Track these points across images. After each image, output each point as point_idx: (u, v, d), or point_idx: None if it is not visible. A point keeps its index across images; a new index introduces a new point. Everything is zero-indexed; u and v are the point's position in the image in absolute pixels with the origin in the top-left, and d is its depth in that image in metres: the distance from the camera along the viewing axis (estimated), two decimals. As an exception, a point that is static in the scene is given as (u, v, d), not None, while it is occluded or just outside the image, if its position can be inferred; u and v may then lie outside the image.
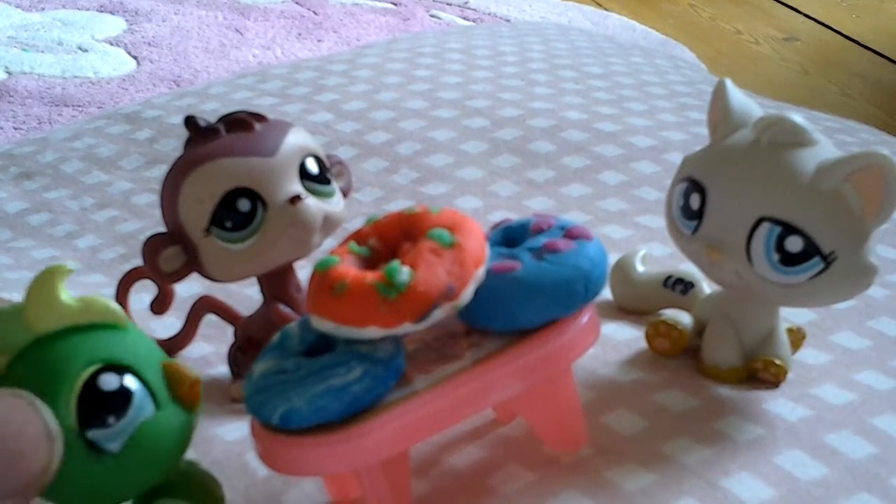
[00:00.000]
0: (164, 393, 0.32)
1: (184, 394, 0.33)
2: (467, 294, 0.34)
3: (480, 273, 0.35)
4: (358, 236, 0.37)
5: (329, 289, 0.33)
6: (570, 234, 0.37)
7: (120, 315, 0.32)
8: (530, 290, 0.35)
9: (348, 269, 0.34)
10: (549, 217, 0.38)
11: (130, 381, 0.31)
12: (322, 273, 0.34)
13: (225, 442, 0.42)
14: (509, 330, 0.36)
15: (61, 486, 0.29)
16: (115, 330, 0.32)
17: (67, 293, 0.31)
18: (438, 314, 0.34)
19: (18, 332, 0.31)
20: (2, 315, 0.31)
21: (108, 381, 0.31)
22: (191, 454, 0.41)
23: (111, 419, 0.31)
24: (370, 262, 0.36)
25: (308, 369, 0.34)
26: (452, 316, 0.35)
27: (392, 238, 0.36)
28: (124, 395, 0.31)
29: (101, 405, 0.31)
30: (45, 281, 0.31)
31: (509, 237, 0.38)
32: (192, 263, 0.43)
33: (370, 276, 0.33)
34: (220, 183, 0.41)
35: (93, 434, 0.30)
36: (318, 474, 0.37)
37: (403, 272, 0.33)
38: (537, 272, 0.36)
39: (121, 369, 0.31)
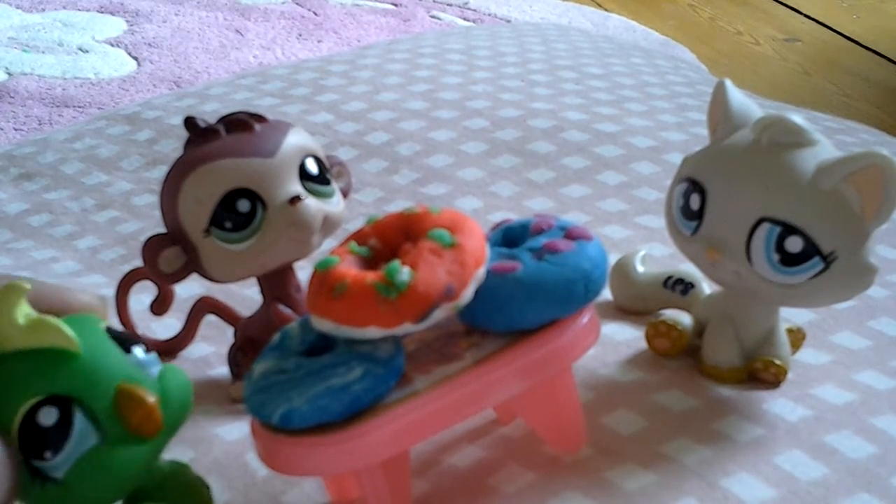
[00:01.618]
0: (113, 422, 0.31)
1: (137, 422, 0.31)
2: (467, 294, 0.34)
3: (481, 273, 0.35)
4: (358, 236, 0.37)
5: (329, 289, 0.33)
6: (570, 234, 0.37)
7: (71, 340, 0.31)
8: (531, 291, 0.35)
9: (349, 269, 0.34)
10: (550, 217, 0.38)
11: (72, 415, 0.30)
12: (322, 273, 0.34)
13: (225, 442, 0.42)
14: (509, 330, 0.36)
15: None
16: (65, 357, 0.31)
17: (25, 311, 0.30)
18: (439, 314, 0.34)
19: None
20: None
21: (47, 416, 0.30)
22: (191, 454, 0.41)
23: (48, 454, 0.30)
24: (370, 263, 0.36)
25: (308, 369, 0.34)
26: (453, 316, 0.35)
27: (392, 238, 0.36)
28: (62, 429, 0.30)
29: (38, 439, 0.30)
30: (1, 299, 0.30)
31: (509, 237, 0.38)
32: (192, 264, 0.43)
33: (371, 277, 0.33)
34: (219, 183, 0.41)
35: (35, 463, 0.30)
36: (319, 474, 0.37)
37: (404, 272, 0.33)
38: (538, 272, 0.36)
39: (63, 401, 0.30)
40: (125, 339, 0.33)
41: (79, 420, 0.31)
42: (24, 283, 0.30)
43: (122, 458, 0.31)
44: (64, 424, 0.30)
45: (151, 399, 0.31)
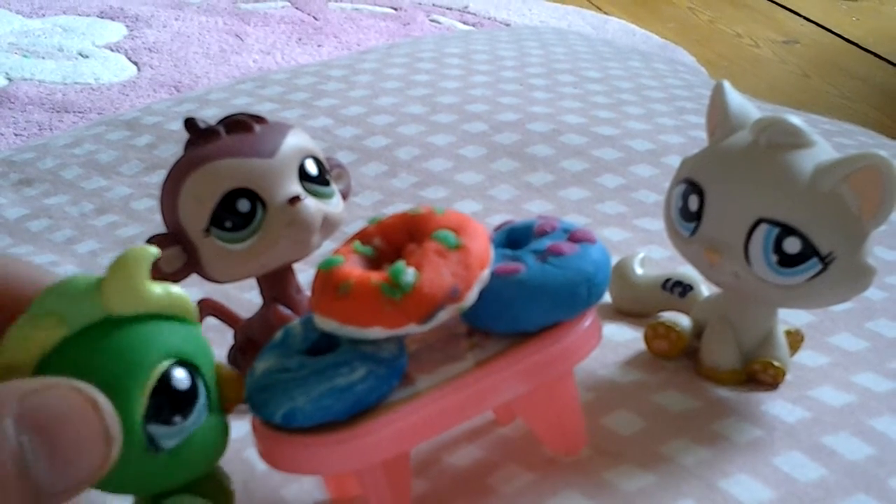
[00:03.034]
0: (216, 397, 0.32)
1: (231, 402, 0.32)
2: (472, 296, 0.34)
3: (485, 275, 0.35)
4: (362, 236, 0.37)
5: (334, 288, 0.33)
6: (574, 237, 0.37)
7: (194, 313, 0.31)
8: (534, 293, 0.35)
9: (353, 268, 0.34)
10: (553, 219, 0.39)
11: (198, 383, 0.30)
12: (326, 272, 0.34)
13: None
14: (512, 332, 0.36)
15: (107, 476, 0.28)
16: (187, 324, 0.31)
17: (148, 278, 0.30)
18: (443, 315, 0.34)
19: (88, 306, 0.29)
20: (73, 283, 0.29)
21: (181, 379, 0.30)
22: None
23: (177, 418, 0.30)
24: (374, 263, 0.36)
25: (311, 368, 0.34)
26: (455, 317, 0.35)
27: (397, 238, 0.36)
28: (193, 394, 0.30)
29: (170, 402, 0.30)
30: (131, 261, 0.29)
31: (512, 239, 0.38)
32: (192, 264, 0.43)
33: (375, 277, 0.33)
34: (219, 183, 0.41)
35: (154, 429, 0.29)
36: (320, 473, 0.38)
37: (409, 273, 0.33)
38: (541, 275, 0.36)
39: (191, 368, 0.30)
40: None
41: (201, 388, 0.31)
42: (150, 249, 0.30)
43: (222, 431, 0.32)
44: (193, 390, 0.30)
45: (240, 378, 0.32)
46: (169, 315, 0.31)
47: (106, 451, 0.27)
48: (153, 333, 0.30)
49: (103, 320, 0.29)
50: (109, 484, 0.29)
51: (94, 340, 0.29)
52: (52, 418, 0.26)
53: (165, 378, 0.29)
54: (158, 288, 0.30)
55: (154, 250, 0.30)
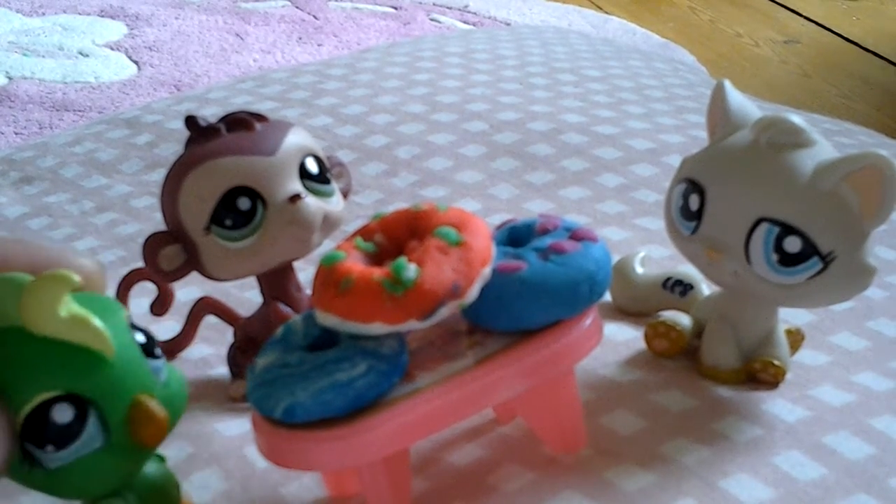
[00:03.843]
0: (121, 429, 0.31)
1: (144, 438, 0.31)
2: (473, 293, 0.34)
3: (487, 272, 0.35)
4: (364, 232, 0.37)
5: (335, 284, 0.33)
6: (575, 235, 0.37)
7: (108, 344, 0.30)
8: (535, 291, 0.35)
9: (354, 264, 0.34)
10: (555, 218, 0.39)
11: (86, 417, 0.30)
12: (328, 268, 0.34)
13: (224, 437, 0.42)
14: (513, 330, 0.36)
15: None
16: (97, 357, 0.30)
17: (68, 302, 0.30)
18: (444, 312, 0.34)
19: (8, 308, 0.30)
20: (2, 280, 0.30)
21: (62, 413, 0.30)
22: (190, 449, 0.41)
23: (50, 448, 0.30)
24: (376, 259, 0.36)
25: (312, 364, 0.34)
26: (456, 314, 0.36)
27: (399, 235, 0.36)
28: (73, 429, 0.30)
29: (45, 432, 0.30)
30: (47, 284, 0.29)
31: (514, 237, 0.39)
32: (192, 262, 0.43)
33: (377, 273, 0.33)
34: (220, 181, 0.41)
35: (30, 447, 0.30)
36: (320, 469, 0.38)
37: (410, 269, 0.33)
38: (543, 273, 0.36)
39: (82, 402, 0.30)
40: (148, 338, 0.33)
41: (91, 424, 0.30)
42: (73, 275, 0.30)
43: (118, 465, 0.31)
44: (76, 425, 0.30)
45: (163, 414, 0.31)
46: (82, 346, 0.30)
47: (12, 448, 0.28)
48: (50, 360, 0.30)
49: (18, 327, 0.30)
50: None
51: (1, 344, 0.30)
52: None
53: (43, 409, 0.30)
54: (75, 316, 0.30)
55: (75, 279, 0.29)
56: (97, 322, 0.30)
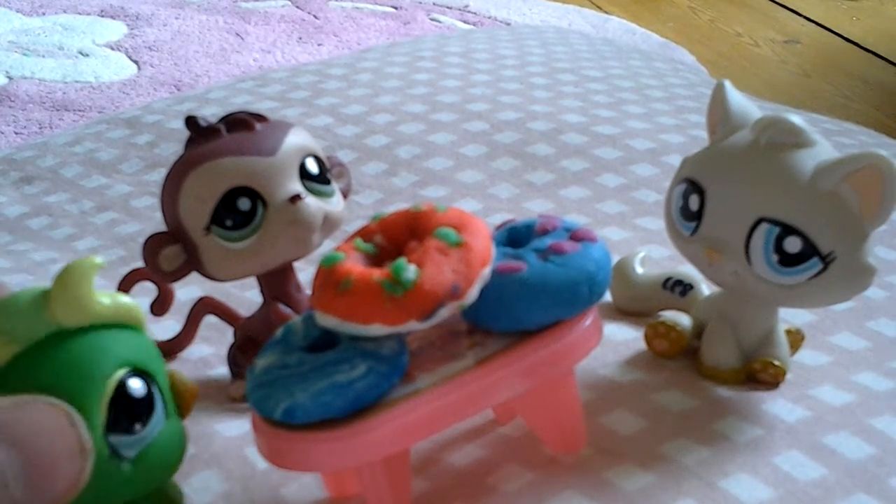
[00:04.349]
0: (171, 402, 0.32)
1: (185, 405, 0.32)
2: (473, 293, 0.34)
3: (486, 273, 0.35)
4: (364, 233, 0.37)
5: (335, 285, 0.33)
6: (575, 235, 0.37)
7: (143, 319, 0.31)
8: (535, 292, 0.35)
9: (354, 265, 0.34)
10: (555, 218, 0.39)
11: (153, 390, 0.30)
12: (328, 269, 0.34)
13: (224, 437, 0.42)
14: (513, 330, 0.36)
15: None
16: (137, 333, 0.31)
17: (95, 289, 0.30)
18: (444, 313, 0.34)
19: (36, 321, 0.29)
20: (19, 300, 0.30)
21: (137, 387, 0.30)
22: (190, 449, 0.41)
23: (137, 426, 0.30)
24: (376, 260, 0.36)
25: (312, 365, 0.34)
26: (456, 315, 0.36)
27: (398, 236, 0.36)
28: (150, 402, 0.30)
29: (129, 411, 0.30)
30: (76, 273, 0.29)
31: (514, 238, 0.38)
32: (192, 262, 0.43)
33: (376, 274, 0.33)
34: (220, 182, 0.41)
35: (115, 440, 0.29)
36: (320, 470, 0.38)
37: (410, 270, 0.33)
38: (542, 273, 0.36)
39: (145, 375, 0.30)
40: None
41: (157, 394, 0.31)
42: (95, 259, 0.30)
43: (180, 437, 0.32)
44: (150, 398, 0.30)
45: (195, 385, 0.32)
46: (118, 324, 0.31)
47: (81, 464, 0.27)
48: (104, 344, 0.30)
49: (53, 334, 0.29)
50: (77, 501, 0.29)
51: (46, 355, 0.29)
52: (30, 433, 0.26)
53: (122, 388, 0.29)
54: (105, 298, 0.30)
55: (98, 261, 0.30)
56: (125, 298, 0.31)
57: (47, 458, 0.26)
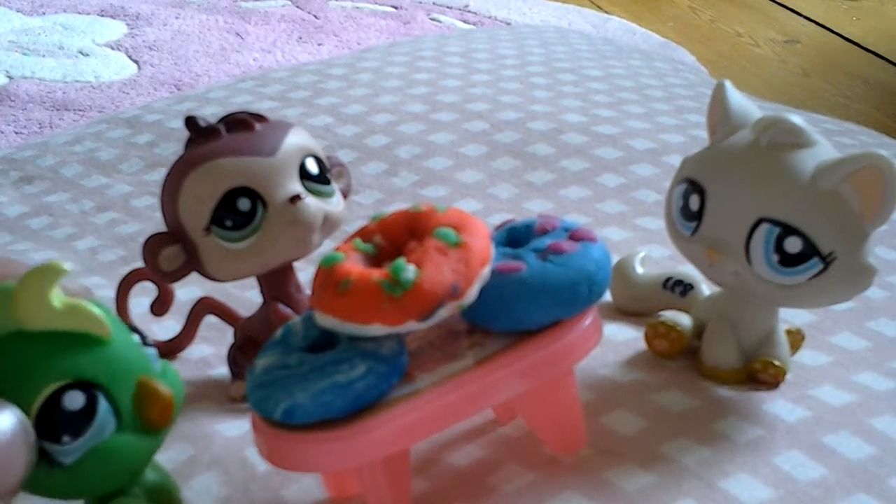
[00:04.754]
0: (130, 412, 0.32)
1: (153, 417, 0.32)
2: (472, 293, 0.34)
3: (486, 273, 0.35)
4: (363, 233, 0.37)
5: (334, 285, 0.34)
6: (574, 235, 0.37)
7: (105, 326, 0.31)
8: (535, 292, 0.35)
9: (354, 265, 0.34)
10: (554, 218, 0.39)
11: (96, 401, 0.30)
12: (327, 269, 0.34)
13: (224, 438, 0.42)
14: (513, 330, 0.36)
15: None
16: (96, 342, 0.31)
17: (59, 294, 0.30)
18: (443, 313, 0.34)
19: (2, 315, 0.30)
20: None
21: (73, 400, 0.30)
22: (190, 450, 0.41)
23: (66, 438, 0.30)
24: (375, 260, 0.36)
25: (312, 365, 0.34)
26: (456, 315, 0.36)
27: (398, 236, 0.36)
28: (86, 415, 0.30)
29: (60, 423, 0.30)
30: (39, 277, 0.30)
31: (513, 238, 0.38)
32: (192, 262, 0.43)
33: (376, 274, 0.33)
34: (220, 182, 0.41)
35: (46, 446, 0.30)
36: (320, 470, 0.38)
37: (409, 270, 0.33)
38: (542, 273, 0.36)
39: (90, 387, 0.30)
40: (136, 331, 0.33)
41: (102, 408, 0.31)
42: (60, 265, 0.30)
43: (134, 449, 0.32)
44: (88, 411, 0.30)
45: (169, 392, 0.32)
46: (80, 332, 0.31)
47: (29, 456, 0.28)
48: (53, 353, 0.30)
49: (13, 333, 0.30)
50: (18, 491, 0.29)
51: (1, 351, 0.30)
52: None
53: (54, 399, 0.30)
54: (68, 304, 0.30)
55: (65, 266, 0.30)
56: (91, 307, 0.31)
57: (4, 455, 0.27)
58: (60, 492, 0.31)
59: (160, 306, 0.49)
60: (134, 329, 0.33)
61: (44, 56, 1.19)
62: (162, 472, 0.35)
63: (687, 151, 0.46)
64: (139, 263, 0.45)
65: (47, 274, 0.30)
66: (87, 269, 0.59)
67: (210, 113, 0.78)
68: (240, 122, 0.43)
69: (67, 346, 0.30)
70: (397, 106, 0.77)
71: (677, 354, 0.45)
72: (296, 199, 0.42)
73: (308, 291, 0.42)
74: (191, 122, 0.43)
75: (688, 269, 0.46)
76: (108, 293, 0.50)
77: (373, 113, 0.76)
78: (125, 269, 0.49)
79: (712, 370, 0.44)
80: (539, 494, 0.37)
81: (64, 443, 0.30)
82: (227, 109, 0.45)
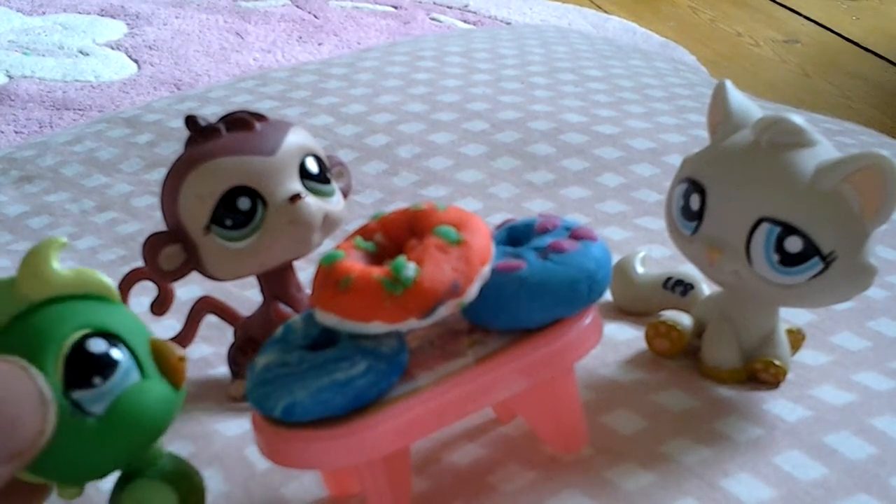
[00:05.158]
0: (152, 365, 0.32)
1: (170, 369, 0.32)
2: (472, 291, 0.34)
3: (486, 271, 0.35)
4: (364, 231, 0.37)
5: (335, 283, 0.34)
6: (575, 234, 0.37)
7: (112, 289, 0.32)
8: (535, 290, 0.35)
9: (354, 263, 0.34)
10: (555, 217, 0.39)
11: (118, 349, 0.31)
12: (328, 267, 0.34)
13: (225, 437, 0.42)
14: (513, 329, 0.36)
15: (46, 452, 0.29)
16: (106, 302, 0.32)
17: (59, 265, 0.31)
18: (443, 311, 0.34)
19: (11, 301, 0.31)
20: None
21: (96, 345, 0.31)
22: (190, 448, 0.41)
23: (96, 380, 0.30)
24: (376, 258, 0.36)
25: (312, 363, 0.34)
26: (456, 313, 0.36)
27: (398, 234, 0.36)
28: (111, 358, 0.31)
29: (87, 366, 0.30)
30: (39, 252, 0.31)
31: (514, 237, 0.38)
32: (192, 262, 0.43)
33: (376, 272, 0.33)
34: (220, 181, 0.41)
35: (77, 395, 0.30)
36: (320, 468, 0.38)
37: (410, 268, 0.33)
38: (542, 272, 0.36)
39: (109, 337, 0.31)
40: None
41: (124, 354, 0.31)
42: (58, 238, 0.31)
43: (161, 396, 0.32)
44: (111, 355, 0.31)
45: (182, 351, 0.32)
46: (88, 295, 0.32)
47: (43, 411, 0.28)
48: (65, 311, 0.31)
49: (26, 310, 0.31)
50: (49, 464, 0.30)
51: (14, 328, 0.30)
52: None
53: (79, 345, 0.30)
54: (73, 270, 0.32)
55: (62, 239, 0.31)
56: (91, 271, 0.32)
57: (10, 410, 0.27)
58: (94, 451, 0.31)
59: (160, 306, 0.49)
60: None
61: (44, 56, 1.19)
62: (179, 458, 0.35)
63: (687, 151, 0.46)
64: (139, 263, 0.45)
65: (48, 246, 0.31)
66: (87, 268, 0.59)
67: (210, 112, 0.78)
68: (240, 122, 0.43)
69: (80, 306, 0.31)
70: (397, 106, 0.77)
71: (678, 354, 0.45)
72: (296, 198, 0.42)
73: (308, 290, 0.42)
74: (191, 121, 0.43)
75: (688, 269, 0.46)
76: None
77: (373, 113, 0.76)
78: (125, 269, 0.49)
79: (713, 370, 0.44)
80: (539, 494, 0.37)
81: (94, 385, 0.30)
82: (227, 109, 0.45)
